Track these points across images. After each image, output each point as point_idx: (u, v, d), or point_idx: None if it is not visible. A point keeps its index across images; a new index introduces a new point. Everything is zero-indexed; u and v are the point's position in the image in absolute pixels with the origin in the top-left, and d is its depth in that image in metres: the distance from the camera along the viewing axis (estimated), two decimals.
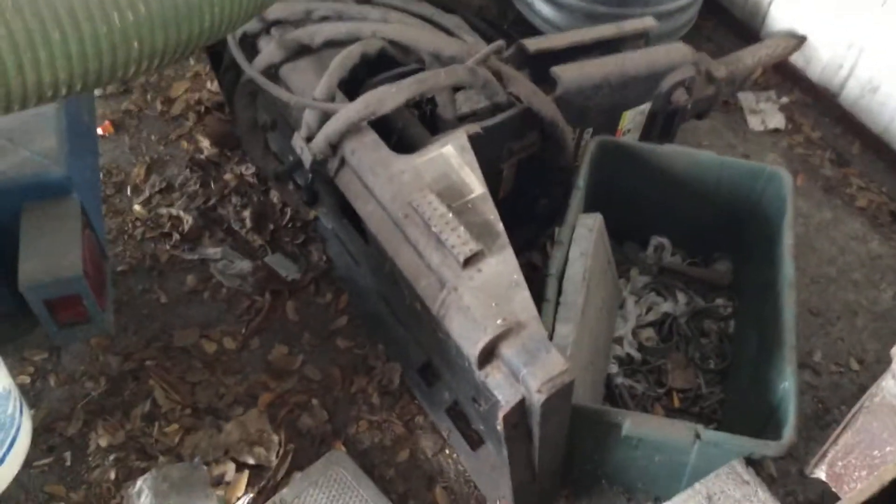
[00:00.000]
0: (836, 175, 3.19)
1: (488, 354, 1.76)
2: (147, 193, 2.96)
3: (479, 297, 1.80)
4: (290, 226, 2.88)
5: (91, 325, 1.82)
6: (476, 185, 2.00)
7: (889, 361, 1.80)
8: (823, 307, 2.79)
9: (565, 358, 1.72)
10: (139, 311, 2.65)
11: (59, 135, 1.84)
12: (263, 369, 2.55)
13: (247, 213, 2.88)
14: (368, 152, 2.06)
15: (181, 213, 2.88)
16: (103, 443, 2.35)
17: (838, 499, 1.98)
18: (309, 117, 2.10)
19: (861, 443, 1.81)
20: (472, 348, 1.76)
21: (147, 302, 2.67)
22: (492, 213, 1.95)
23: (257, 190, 2.97)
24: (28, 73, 1.30)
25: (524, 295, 1.81)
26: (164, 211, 2.90)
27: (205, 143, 3.10)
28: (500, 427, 1.77)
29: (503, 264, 1.85)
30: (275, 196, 2.93)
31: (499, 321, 1.75)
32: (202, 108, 3.21)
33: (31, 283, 1.68)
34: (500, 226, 1.92)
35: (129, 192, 2.96)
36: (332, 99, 2.12)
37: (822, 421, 2.51)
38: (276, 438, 2.36)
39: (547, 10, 3.36)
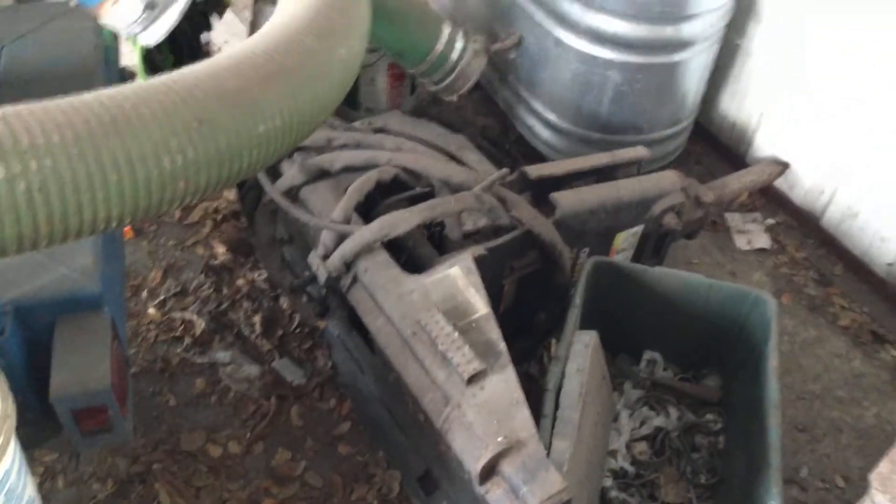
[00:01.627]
0: (820, 294, 3.35)
1: (489, 470, 1.85)
2: (162, 297, 3.09)
3: (482, 414, 1.91)
4: (297, 331, 3.00)
5: (112, 434, 1.91)
6: (480, 305, 2.13)
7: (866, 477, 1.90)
8: (809, 424, 2.89)
9: (563, 476, 1.82)
10: (149, 413, 2.73)
11: (94, 252, 1.98)
12: (266, 475, 2.61)
13: (257, 319, 3.01)
14: (380, 271, 2.21)
15: (194, 318, 3.00)
16: None
17: None
18: (326, 237, 2.26)
19: None
20: (473, 464, 1.86)
21: (157, 404, 2.76)
22: (494, 333, 2.08)
23: (268, 296, 3.11)
24: (86, 211, 1.44)
25: (525, 413, 1.92)
26: (177, 315, 3.02)
27: (220, 249, 3.25)
28: None
29: (505, 383, 1.97)
30: (284, 302, 3.06)
31: (500, 438, 1.85)
32: (219, 217, 3.38)
33: (62, 395, 1.78)
34: (503, 345, 2.05)
35: (144, 296, 3.09)
36: (348, 221, 2.28)
37: None
38: None
39: (546, 134, 3.59)
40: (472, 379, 1.94)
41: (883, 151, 3.09)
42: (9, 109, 1.38)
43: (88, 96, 1.48)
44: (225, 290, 3.12)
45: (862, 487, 2.65)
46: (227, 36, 4.22)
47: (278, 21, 1.90)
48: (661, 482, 2.58)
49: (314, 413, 2.78)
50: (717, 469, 2.64)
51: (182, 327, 2.98)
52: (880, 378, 3.06)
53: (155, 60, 3.28)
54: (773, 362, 2.39)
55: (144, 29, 2.21)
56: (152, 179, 1.49)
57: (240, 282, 3.16)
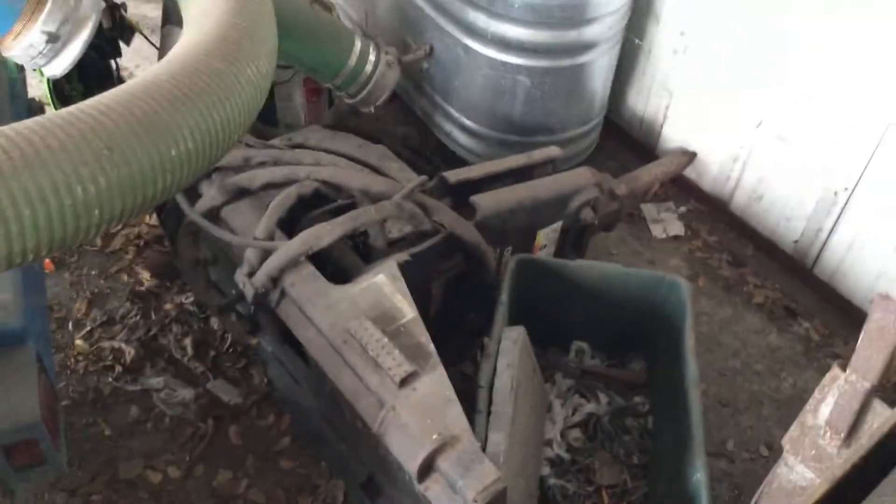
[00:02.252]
0: (734, 275, 3.52)
1: (427, 468, 1.91)
2: (89, 327, 3.05)
3: (416, 415, 1.97)
4: (230, 351, 3.00)
5: (46, 467, 1.89)
6: (407, 309, 2.19)
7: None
8: (732, 398, 3.04)
9: (498, 467, 1.89)
10: (83, 445, 2.70)
11: (14, 287, 1.96)
12: (209, 496, 2.61)
13: (188, 341, 3.00)
14: (307, 284, 2.24)
15: (123, 346, 2.97)
16: None
17: None
18: (250, 255, 2.28)
19: None
20: (411, 463, 1.91)
21: (91, 435, 2.73)
22: (423, 336, 2.14)
23: (197, 318, 3.10)
24: (1, 247, 1.44)
25: (457, 410, 1.99)
26: (106, 344, 2.99)
27: (145, 275, 3.22)
28: None
29: (436, 383, 2.03)
30: (215, 323, 3.06)
31: (434, 436, 1.91)
32: (141, 242, 3.35)
33: None
34: (432, 346, 2.12)
35: (70, 328, 3.04)
36: (271, 237, 2.31)
37: None
38: None
39: (464, 139, 3.67)
40: (404, 381, 1.99)
41: (779, 136, 3.28)
42: None
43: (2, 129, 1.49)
44: (153, 316, 3.10)
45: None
46: (138, 60, 4.18)
47: (184, 45, 1.93)
48: (597, 466, 2.68)
49: (253, 431, 2.79)
50: (648, 448, 2.75)
51: (112, 356, 2.95)
52: (795, 350, 3.23)
53: (64, 90, 3.25)
54: (689, 342, 2.51)
55: (49, 61, 2.19)
56: (66, 210, 1.50)
57: (167, 306, 3.14)
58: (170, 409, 2.81)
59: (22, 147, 1.46)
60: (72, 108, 1.60)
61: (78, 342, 2.99)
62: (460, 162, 3.73)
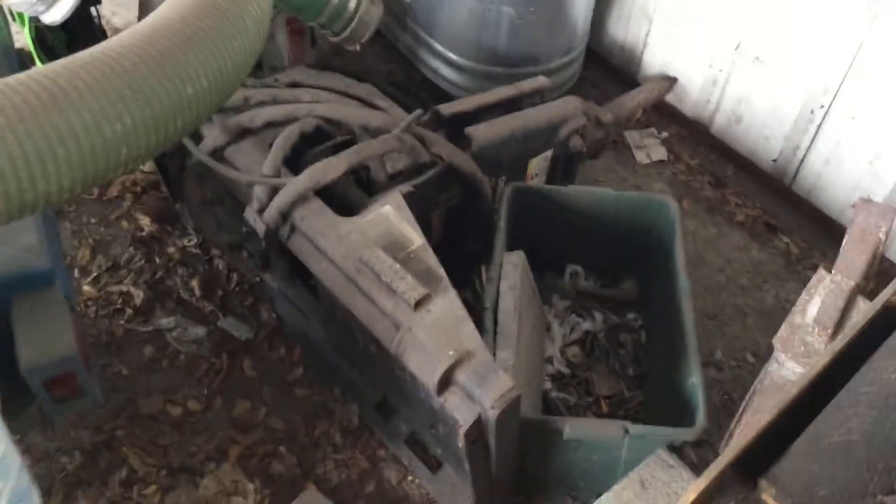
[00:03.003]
0: (716, 196, 3.65)
1: (445, 382, 2.04)
2: (95, 273, 3.11)
3: (432, 334, 2.09)
4: (237, 289, 3.10)
5: (84, 398, 1.99)
6: (415, 237, 2.29)
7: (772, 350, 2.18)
8: (718, 311, 3.21)
9: (511, 377, 2.02)
10: (103, 385, 2.78)
11: (38, 231, 2.02)
12: (229, 425, 2.73)
13: (194, 282, 3.08)
14: (317, 218, 2.33)
15: (131, 289, 3.05)
16: None
17: None
18: (259, 192, 2.36)
19: (757, 420, 2.17)
20: (430, 378, 2.04)
21: (109, 376, 2.82)
22: (432, 260, 2.25)
23: (201, 259, 3.18)
24: (39, 185, 1.52)
25: (470, 327, 2.11)
26: (114, 288, 3.06)
27: (145, 220, 3.28)
28: (461, 444, 2.05)
29: (448, 303, 2.14)
30: (220, 263, 3.14)
31: (450, 352, 2.04)
32: (138, 188, 3.39)
33: (32, 367, 1.85)
34: (441, 270, 2.22)
35: (77, 274, 3.11)
36: (278, 174, 2.38)
37: (729, 410, 2.88)
38: (251, 487, 2.55)
39: (449, 73, 3.73)
40: (419, 304, 2.10)
41: (756, 57, 3.37)
42: None
43: (22, 76, 1.54)
44: (157, 260, 3.17)
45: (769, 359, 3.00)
46: (115, 7, 4.15)
47: None
48: (595, 379, 2.84)
49: (266, 363, 2.91)
50: (642, 361, 2.91)
51: (121, 300, 3.03)
52: (776, 264, 3.40)
53: (47, 40, 3.24)
54: (680, 258, 2.65)
55: (48, 8, 2.22)
56: (97, 148, 1.57)
57: (170, 249, 3.21)
58: (183, 347, 2.91)
59: (50, 89, 1.52)
60: (91, 50, 1.64)
61: (86, 288, 3.06)
62: (446, 97, 3.78)
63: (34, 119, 1.47)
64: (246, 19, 1.94)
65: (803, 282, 3.32)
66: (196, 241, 3.21)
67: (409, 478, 2.64)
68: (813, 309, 2.03)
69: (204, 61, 1.77)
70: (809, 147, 3.39)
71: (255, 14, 1.98)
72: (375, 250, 2.20)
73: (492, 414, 1.96)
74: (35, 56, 3.16)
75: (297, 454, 2.67)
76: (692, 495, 1.16)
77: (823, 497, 1.16)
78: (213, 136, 2.53)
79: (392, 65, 4.13)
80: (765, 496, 1.18)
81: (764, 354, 3.07)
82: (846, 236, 1.98)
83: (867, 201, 1.97)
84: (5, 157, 1.44)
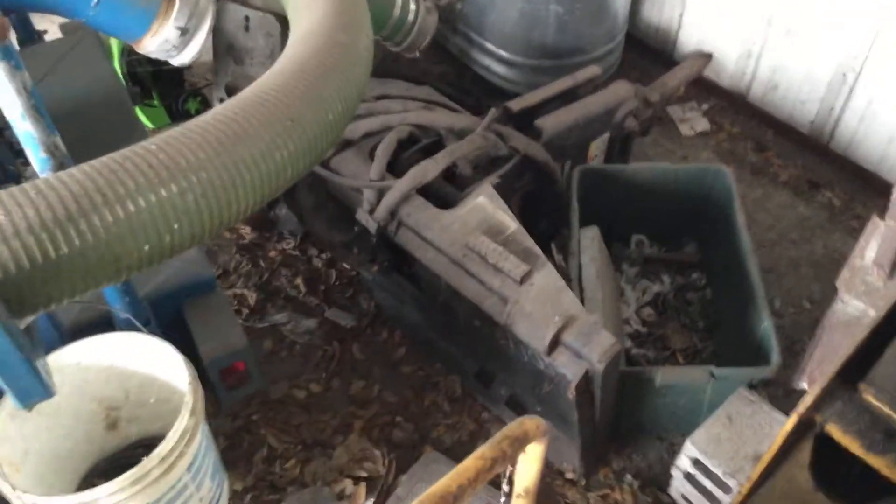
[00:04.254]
0: (759, 160, 3.94)
1: (554, 344, 2.37)
2: None
3: (537, 304, 2.42)
4: (337, 284, 3.44)
5: (250, 384, 2.35)
6: (510, 222, 2.62)
7: (835, 291, 2.48)
8: (773, 265, 3.50)
9: (613, 334, 2.34)
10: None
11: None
12: (349, 403, 3.09)
13: (299, 280, 3.44)
14: (421, 213, 2.67)
15: (244, 291, 3.41)
16: (238, 487, 2.85)
17: None
18: (369, 195, 2.70)
19: (828, 353, 2.49)
20: (540, 342, 2.37)
21: None
22: (528, 241, 2.57)
23: (301, 260, 3.53)
24: (233, 206, 1.83)
25: (570, 295, 2.44)
26: (228, 292, 3.42)
27: (245, 229, 3.64)
28: (571, 396, 2.38)
29: (548, 276, 2.47)
30: (318, 262, 3.49)
31: (556, 318, 2.36)
32: None
33: (212, 359, 2.21)
34: (537, 248, 2.55)
35: None
36: (383, 178, 2.72)
37: (792, 350, 3.19)
38: (378, 452, 2.91)
39: (501, 69, 4.04)
40: (523, 279, 2.43)
41: (788, 30, 3.65)
42: (158, 140, 1.77)
43: (207, 118, 1.88)
44: (262, 263, 3.53)
45: (825, 304, 3.29)
46: None
47: (307, 24, 2.29)
48: (669, 334, 3.15)
49: (373, 346, 3.26)
50: (709, 315, 3.22)
51: (236, 302, 3.39)
52: (821, 217, 3.68)
53: (136, 70, 3.64)
54: (741, 219, 2.95)
55: (179, 52, 2.55)
56: (271, 172, 1.91)
57: (272, 253, 3.56)
58: (298, 338, 3.26)
59: (233, 127, 1.86)
60: (253, 90, 1.98)
61: None
62: (498, 92, 4.10)
63: (227, 153, 1.81)
64: (361, 49, 2.27)
65: (848, 231, 3.63)
66: (294, 243, 3.56)
67: None
68: (870, 253, 2.33)
69: (337, 90, 2.10)
70: (844, 107, 3.66)
71: (366, 44, 2.31)
72: (479, 236, 2.53)
73: (599, 367, 2.29)
74: (123, 81, 3.55)
75: (414, 422, 3.01)
76: (809, 399, 1.47)
77: None
78: None
79: (444, 65, 4.45)
80: (866, 396, 1.49)
81: (819, 300, 3.37)
82: None
83: None
84: (210, 186, 1.78)
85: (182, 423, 1.92)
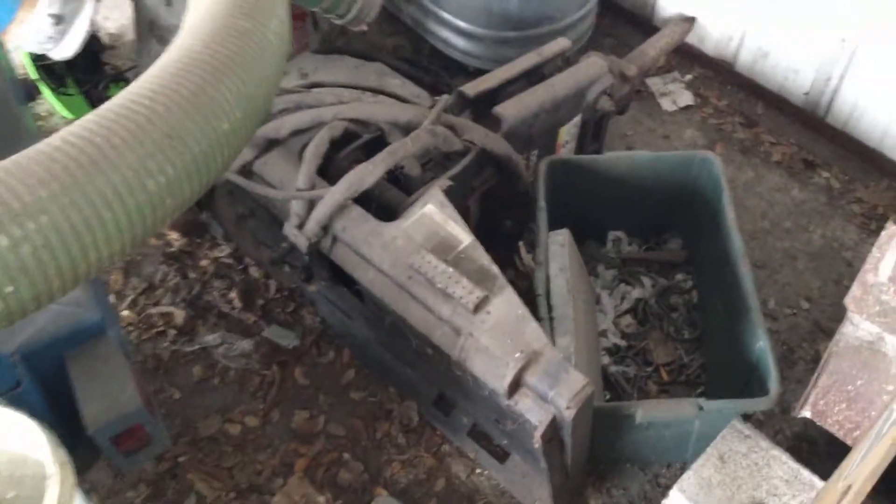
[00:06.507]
0: (749, 136, 3.54)
1: (515, 385, 1.99)
2: (131, 296, 3.06)
3: (495, 337, 2.03)
4: (277, 297, 3.04)
5: (152, 446, 1.96)
6: (463, 235, 2.22)
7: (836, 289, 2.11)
8: (766, 258, 3.13)
9: (583, 373, 1.97)
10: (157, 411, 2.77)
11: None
12: (290, 438, 2.71)
13: (233, 294, 3.03)
14: (358, 226, 2.26)
15: (171, 309, 3.00)
16: None
17: (820, 428, 2.30)
18: (297, 207, 2.28)
19: (836, 382, 2.13)
20: (499, 382, 1.99)
21: (163, 401, 2.79)
22: (484, 258, 2.18)
23: (236, 269, 3.12)
24: (91, 254, 1.44)
25: (533, 325, 2.05)
26: (153, 310, 3.01)
27: (173, 235, 3.21)
28: (536, 445, 2.01)
29: (507, 303, 2.08)
30: (255, 271, 3.08)
31: (517, 354, 1.98)
32: None
33: (99, 426, 1.81)
34: (495, 267, 2.16)
35: (113, 300, 3.05)
36: (313, 186, 2.30)
37: (789, 360, 2.84)
38: (321, 499, 2.54)
39: (460, 42, 3.59)
40: (478, 307, 2.05)
41: None
42: None
43: (56, 140, 1.46)
44: (191, 275, 3.11)
45: (826, 303, 2.93)
46: (107, 12, 4.00)
47: (204, 7, 1.86)
48: (651, 347, 2.79)
49: (318, 369, 2.87)
50: (697, 322, 2.86)
51: (162, 321, 2.98)
52: (819, 201, 3.31)
53: (52, 67, 3.15)
54: (730, 215, 2.57)
55: (57, 44, 2.12)
56: (143, 205, 1.49)
57: (203, 262, 3.15)
58: (233, 363, 2.87)
59: (88, 151, 1.44)
60: (121, 97, 1.55)
61: (125, 313, 3.01)
62: (458, 67, 3.67)
63: (77, 187, 1.40)
64: (269, 36, 1.83)
65: (848, 217, 3.27)
66: (228, 250, 3.14)
67: (478, 470, 2.62)
68: (886, 267, 1.96)
69: (235, 91, 1.67)
70: (842, 76, 3.26)
71: (276, 29, 1.88)
72: (425, 255, 2.13)
73: (567, 414, 1.92)
74: (43, 88, 3.08)
75: (363, 459, 2.64)
76: None
77: None
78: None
79: (398, 38, 3.99)
80: None
81: (818, 298, 3.01)
82: None
83: None
84: (54, 233, 1.37)
85: None
